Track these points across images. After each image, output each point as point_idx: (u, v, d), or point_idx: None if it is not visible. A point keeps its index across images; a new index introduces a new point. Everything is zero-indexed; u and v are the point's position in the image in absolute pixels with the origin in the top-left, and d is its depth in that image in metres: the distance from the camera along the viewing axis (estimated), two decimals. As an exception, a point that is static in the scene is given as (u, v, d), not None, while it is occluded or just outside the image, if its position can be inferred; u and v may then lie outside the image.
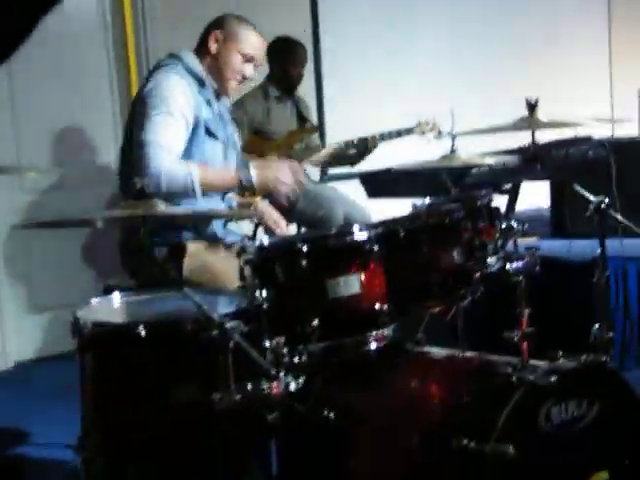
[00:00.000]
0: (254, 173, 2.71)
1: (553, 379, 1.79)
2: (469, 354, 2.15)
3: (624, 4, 6.31)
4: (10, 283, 4.41)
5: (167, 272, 2.08)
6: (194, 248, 2.72)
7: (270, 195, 2.90)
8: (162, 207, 1.87)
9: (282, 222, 2.97)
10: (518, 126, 2.22)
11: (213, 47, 2.84)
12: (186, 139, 2.70)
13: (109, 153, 4.44)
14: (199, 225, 2.75)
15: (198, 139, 2.73)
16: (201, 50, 2.87)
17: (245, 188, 2.73)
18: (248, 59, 2.86)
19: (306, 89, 4.72)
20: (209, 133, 2.76)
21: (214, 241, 2.78)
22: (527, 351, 1.99)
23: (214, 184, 2.70)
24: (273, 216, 2.96)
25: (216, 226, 2.81)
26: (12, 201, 4.30)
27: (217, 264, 2.68)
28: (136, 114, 2.73)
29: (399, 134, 4.37)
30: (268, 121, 4.30)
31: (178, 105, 2.67)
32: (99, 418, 2.01)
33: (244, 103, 4.23)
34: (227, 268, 2.61)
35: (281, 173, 2.78)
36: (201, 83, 2.80)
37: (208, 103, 2.80)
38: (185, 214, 2.20)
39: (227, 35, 2.84)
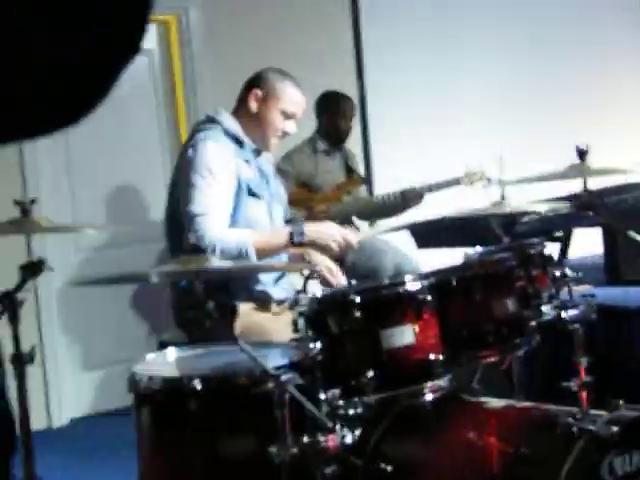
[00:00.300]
0: (306, 229, 2.71)
1: (615, 429, 1.75)
2: (526, 404, 2.12)
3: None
4: (66, 341, 4.48)
5: (220, 327, 2.09)
6: (244, 308, 2.73)
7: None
8: (215, 262, 1.90)
9: (337, 271, 2.97)
10: (569, 174, 2.21)
11: (253, 106, 2.81)
12: (232, 204, 2.72)
13: (160, 211, 4.51)
14: (249, 284, 2.75)
15: (241, 201, 2.74)
16: (241, 108, 2.85)
17: (297, 245, 2.72)
18: (289, 116, 2.84)
19: (353, 141, 4.77)
20: (252, 194, 2.76)
21: (264, 300, 2.78)
22: (587, 401, 1.95)
23: (267, 247, 2.69)
24: (328, 265, 2.96)
25: (266, 283, 2.80)
26: (67, 259, 4.39)
27: (267, 323, 2.69)
28: (180, 182, 2.75)
29: (447, 185, 4.37)
30: (316, 174, 4.34)
31: (221, 172, 2.68)
32: (157, 473, 2.01)
33: (292, 157, 4.29)
34: (277, 326, 2.63)
35: (333, 230, 2.78)
36: (240, 144, 2.79)
37: (248, 162, 2.80)
38: (239, 268, 2.22)
39: (267, 93, 2.81)
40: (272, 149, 2.95)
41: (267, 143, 2.86)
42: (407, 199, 4.30)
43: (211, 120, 2.82)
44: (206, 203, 2.64)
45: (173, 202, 2.82)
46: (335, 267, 2.98)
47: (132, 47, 0.57)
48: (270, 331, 2.62)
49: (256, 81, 2.85)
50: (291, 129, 2.88)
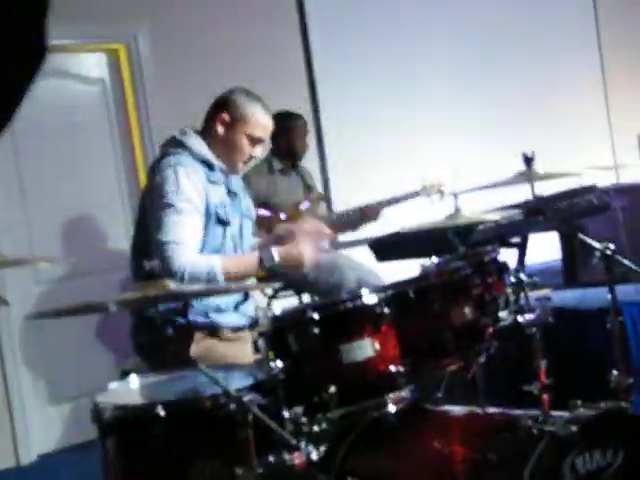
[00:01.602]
0: (276, 252, 2.66)
1: (574, 429, 1.78)
2: (489, 410, 2.14)
3: (616, 51, 6.41)
4: (30, 375, 4.42)
5: (178, 352, 2.09)
6: (199, 335, 2.72)
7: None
8: (173, 286, 1.90)
9: (326, 229, 2.94)
10: (517, 180, 2.25)
11: (220, 130, 2.77)
12: (202, 231, 2.68)
13: (119, 239, 4.50)
14: (207, 311, 2.73)
15: (209, 228, 2.71)
16: (208, 130, 2.80)
17: (268, 269, 2.66)
18: (256, 141, 2.80)
19: (309, 158, 4.80)
20: (219, 221, 2.73)
21: (219, 328, 2.75)
22: (548, 403, 1.98)
23: (238, 273, 2.65)
24: (314, 226, 2.92)
25: (225, 309, 2.78)
26: (26, 292, 4.34)
27: (222, 349, 2.68)
28: (148, 209, 2.71)
29: (406, 198, 4.42)
30: (274, 194, 4.36)
31: (190, 199, 2.65)
32: (124, 503, 2.00)
33: (249, 178, 4.29)
34: (233, 352, 2.62)
35: (303, 246, 2.72)
36: (209, 166, 2.75)
37: (216, 184, 2.76)
38: (196, 290, 2.21)
39: (234, 117, 2.76)
40: (239, 172, 2.91)
41: (235, 167, 2.83)
42: (365, 214, 4.34)
43: (178, 143, 2.77)
44: (176, 231, 2.60)
45: (141, 229, 2.78)
46: (322, 225, 2.94)
47: (32, 70, 0.58)
48: (225, 357, 2.61)
49: (223, 104, 2.79)
50: (258, 153, 2.86)
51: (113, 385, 2.23)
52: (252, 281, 2.81)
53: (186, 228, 2.63)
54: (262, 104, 2.83)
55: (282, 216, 4.31)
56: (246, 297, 2.88)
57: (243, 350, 2.62)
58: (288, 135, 4.44)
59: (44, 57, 0.61)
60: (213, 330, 2.74)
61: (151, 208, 2.69)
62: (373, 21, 5.49)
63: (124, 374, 2.61)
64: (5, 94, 0.59)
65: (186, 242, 2.61)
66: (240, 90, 2.85)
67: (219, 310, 2.75)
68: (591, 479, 1.78)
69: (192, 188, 2.67)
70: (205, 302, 2.72)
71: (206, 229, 2.70)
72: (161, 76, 4.76)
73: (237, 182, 2.92)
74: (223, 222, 2.74)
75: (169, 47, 4.80)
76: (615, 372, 2.34)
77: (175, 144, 2.78)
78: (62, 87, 4.50)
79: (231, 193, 2.83)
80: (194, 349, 2.67)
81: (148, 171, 2.83)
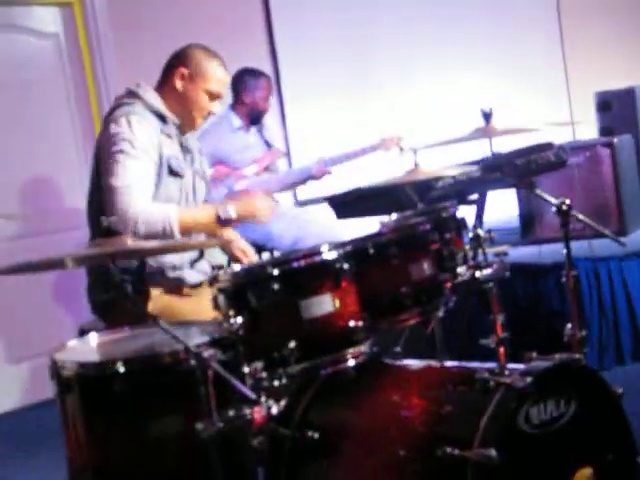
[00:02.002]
0: (232, 208, 2.66)
1: (529, 380, 1.81)
2: (447, 363, 2.18)
3: (573, 8, 6.42)
4: (-14, 334, 4.38)
5: (138, 309, 2.08)
6: (156, 292, 2.71)
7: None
8: (130, 242, 1.88)
9: (250, 250, 2.98)
10: (475, 136, 2.26)
11: (179, 84, 2.76)
12: (154, 179, 2.67)
13: (76, 196, 4.44)
14: (163, 268, 2.72)
15: (161, 179, 2.69)
16: (164, 85, 2.79)
17: (224, 222, 2.68)
18: (215, 96, 2.80)
19: (269, 114, 4.77)
20: (172, 172, 2.71)
21: (177, 284, 2.76)
22: (504, 356, 2.01)
23: (193, 224, 2.65)
24: (240, 244, 2.96)
25: (181, 266, 2.78)
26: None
27: (180, 305, 2.68)
28: (102, 158, 2.68)
29: (364, 152, 4.43)
30: (234, 151, 4.33)
31: (143, 146, 2.63)
32: (85, 458, 2.00)
33: (206, 135, 4.25)
34: (190, 307, 2.63)
35: (257, 201, 2.74)
36: (163, 119, 2.74)
37: (170, 138, 2.75)
38: (154, 247, 2.20)
39: (193, 72, 2.75)
40: (197, 128, 2.89)
41: (193, 122, 2.82)
42: (312, 176, 4.37)
43: (133, 94, 2.75)
44: (129, 176, 2.57)
45: (95, 181, 2.75)
46: (247, 246, 2.98)
47: None
48: (182, 313, 2.61)
49: (182, 59, 2.78)
50: (217, 109, 2.85)
51: (72, 343, 2.22)
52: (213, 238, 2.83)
53: (139, 173, 2.60)
54: (220, 60, 2.83)
55: (242, 172, 4.29)
56: (201, 254, 2.88)
57: (200, 306, 2.62)
58: (252, 92, 4.39)
59: None
60: (170, 287, 2.74)
61: (104, 156, 2.66)
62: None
63: (82, 332, 2.60)
64: None
65: (139, 187, 2.58)
66: (198, 46, 2.84)
67: (174, 268, 2.75)
68: (545, 429, 1.83)
69: (144, 135, 2.65)
70: (160, 259, 2.72)
71: (159, 179, 2.68)
72: (116, 30, 4.67)
73: (192, 141, 2.90)
74: (176, 174, 2.73)
75: (125, 2, 4.71)
76: (569, 325, 2.38)
77: (129, 95, 2.77)
78: (15, 41, 4.40)
79: (184, 148, 2.81)
80: (151, 306, 2.67)
81: (102, 122, 2.80)
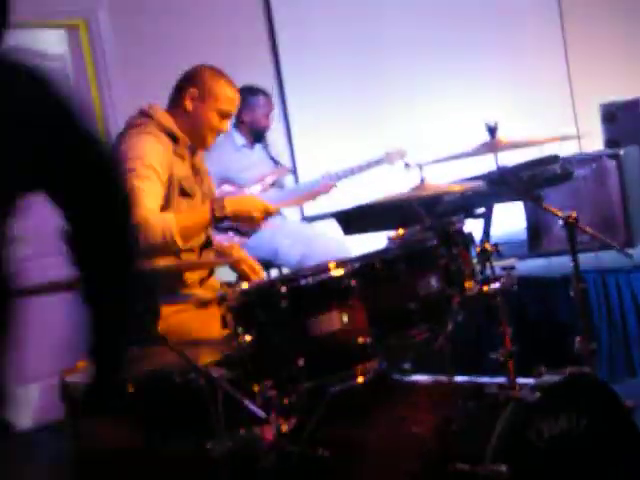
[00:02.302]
0: (227, 201, 2.67)
1: (539, 394, 1.81)
2: (456, 378, 2.17)
3: (577, 19, 6.43)
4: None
5: (149, 327, 2.08)
6: (166, 311, 2.72)
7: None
8: (144, 264, 1.89)
9: (259, 268, 2.98)
10: (480, 151, 2.26)
11: (190, 105, 2.79)
12: (161, 199, 2.67)
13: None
14: (173, 286, 2.73)
15: (172, 200, 2.70)
16: (175, 106, 2.82)
17: (219, 219, 2.68)
18: (225, 115, 2.83)
19: (274, 130, 4.79)
20: (183, 192, 2.74)
21: (187, 302, 2.76)
22: (513, 369, 2.01)
23: (191, 225, 2.65)
24: (249, 262, 2.97)
25: (191, 285, 2.79)
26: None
27: (188, 323, 2.68)
28: None
29: (369, 166, 4.43)
30: (240, 169, 4.34)
31: (155, 163, 2.64)
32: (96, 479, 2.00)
33: (212, 154, 4.26)
34: (199, 325, 2.63)
35: (253, 200, 2.78)
36: (174, 140, 2.76)
37: (182, 159, 2.77)
38: (166, 266, 2.21)
39: (203, 92, 2.79)
40: (209, 147, 2.92)
41: (205, 142, 2.85)
42: (318, 191, 4.37)
43: (145, 114, 2.78)
44: (139, 183, 2.57)
45: None
46: (256, 264, 2.99)
47: None
48: (192, 332, 2.61)
49: (192, 80, 2.81)
50: (226, 127, 2.88)
51: (82, 364, 2.22)
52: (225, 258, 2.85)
53: (149, 182, 2.61)
54: (228, 79, 2.87)
55: (246, 191, 4.30)
56: (211, 272, 2.89)
57: (210, 325, 2.63)
58: (252, 110, 4.41)
59: (4, 34, 0.62)
60: (179, 305, 2.75)
61: None
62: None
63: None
64: None
65: (148, 191, 2.58)
66: (207, 66, 2.88)
67: (184, 285, 2.76)
68: (556, 443, 1.82)
69: (156, 154, 2.66)
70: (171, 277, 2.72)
71: (169, 201, 2.69)
72: (122, 51, 4.70)
73: (202, 163, 2.93)
74: (187, 194, 2.74)
75: (129, 21, 4.74)
76: (578, 338, 2.38)
77: (141, 115, 2.79)
78: (22, 64, 4.43)
79: (194, 169, 2.83)
80: (161, 325, 2.67)
81: (114, 141, 2.81)
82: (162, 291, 2.71)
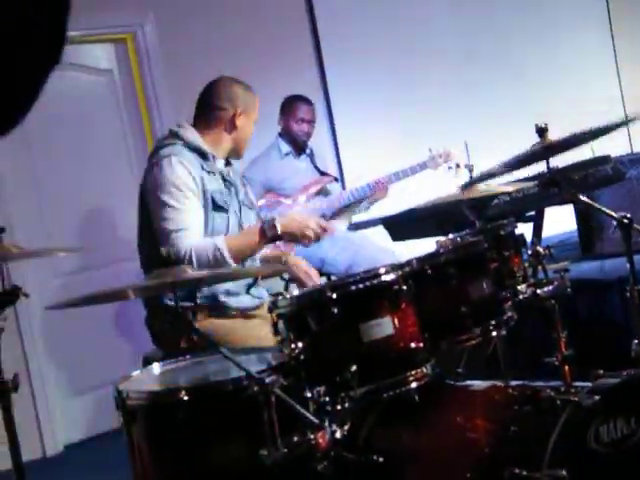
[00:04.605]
0: (277, 221, 2.72)
1: (597, 398, 1.77)
2: (511, 383, 2.14)
3: (624, 16, 6.34)
4: (51, 367, 4.46)
5: (201, 335, 2.09)
6: (201, 315, 2.75)
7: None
8: (190, 272, 1.91)
9: (314, 272, 2.99)
10: (533, 156, 2.23)
11: (239, 124, 2.90)
12: (202, 215, 2.75)
13: (134, 228, 4.50)
14: (216, 296, 2.76)
15: (208, 215, 2.77)
16: (213, 126, 2.89)
17: (271, 239, 2.74)
18: (256, 121, 2.98)
19: (321, 138, 4.80)
20: (217, 207, 2.79)
21: (230, 310, 2.79)
22: (569, 374, 1.98)
23: (243, 247, 2.72)
24: (304, 268, 2.97)
25: (237, 292, 2.81)
26: (45, 284, 4.37)
27: (232, 330, 2.70)
28: (150, 201, 2.78)
29: (413, 171, 4.40)
30: (285, 178, 4.35)
31: (188, 187, 2.72)
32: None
33: (258, 163, 4.30)
34: (244, 333, 2.64)
35: (304, 218, 2.83)
36: (204, 156, 2.83)
37: (212, 174, 2.83)
38: (216, 275, 2.22)
39: (246, 109, 2.91)
40: (243, 155, 3.05)
41: (242, 152, 2.99)
42: (374, 192, 4.34)
43: (173, 135, 2.86)
44: (179, 219, 2.68)
45: (144, 219, 2.84)
46: (311, 269, 2.99)
47: (52, 59, 0.58)
48: (237, 338, 2.62)
49: (230, 102, 2.90)
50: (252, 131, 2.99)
51: (136, 372, 2.25)
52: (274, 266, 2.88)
53: (186, 214, 2.70)
54: (250, 86, 2.98)
55: (288, 202, 4.31)
56: (256, 280, 2.91)
57: (254, 331, 2.64)
58: (295, 119, 4.43)
59: (63, 47, 0.62)
60: (219, 312, 2.77)
61: (151, 199, 2.75)
62: (376, 19, 5.47)
63: (146, 362, 2.63)
64: (29, 84, 0.60)
65: (189, 227, 2.69)
66: (232, 81, 2.97)
67: (228, 293, 2.78)
68: (616, 447, 1.78)
69: (187, 175, 2.74)
70: (215, 287, 2.75)
71: (206, 216, 2.74)
72: (169, 64, 4.76)
73: (234, 174, 2.97)
74: (221, 208, 2.79)
75: (176, 34, 4.80)
76: (636, 341, 2.32)
77: (170, 136, 2.88)
78: (71, 78, 4.51)
79: (227, 182, 2.86)
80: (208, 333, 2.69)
81: (147, 165, 2.88)
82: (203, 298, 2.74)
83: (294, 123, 4.44)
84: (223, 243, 2.65)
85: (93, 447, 4.36)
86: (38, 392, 4.33)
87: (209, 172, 2.82)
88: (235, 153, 2.96)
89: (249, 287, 2.87)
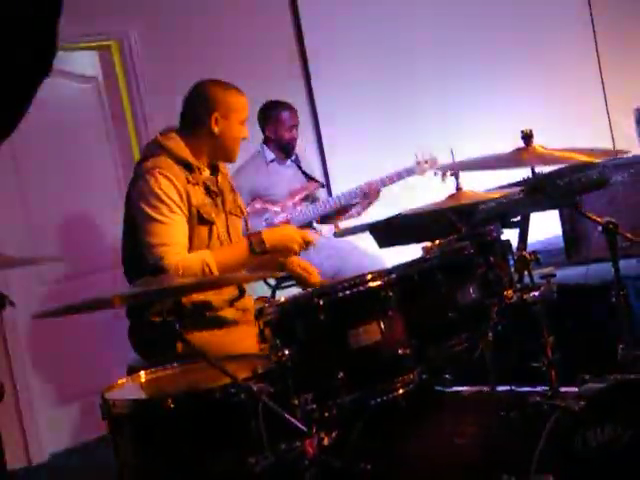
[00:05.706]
0: (264, 236, 2.71)
1: (583, 403, 1.78)
2: (498, 388, 2.15)
3: (608, 24, 6.38)
4: (37, 376, 4.43)
5: (187, 344, 2.07)
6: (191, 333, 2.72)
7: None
8: (177, 279, 1.90)
9: (312, 268, 2.97)
10: (517, 161, 2.24)
11: (216, 129, 2.81)
12: (187, 230, 2.72)
13: (119, 236, 4.48)
14: (202, 310, 2.74)
15: (193, 229, 2.74)
16: (196, 133, 2.83)
17: (258, 252, 2.72)
18: (243, 122, 2.88)
19: (307, 143, 4.79)
20: (202, 220, 2.76)
21: (215, 324, 2.77)
22: (556, 378, 1.98)
23: (230, 261, 2.70)
24: (301, 263, 2.96)
25: (219, 307, 2.79)
26: (30, 293, 4.34)
27: (223, 339, 2.68)
28: (134, 213, 2.75)
29: (399, 176, 4.41)
30: (271, 184, 4.35)
31: (172, 201, 2.69)
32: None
33: (243, 171, 4.28)
34: (234, 342, 2.63)
35: (291, 232, 2.80)
36: (188, 167, 2.78)
37: (197, 185, 2.78)
38: (206, 282, 2.22)
39: (225, 111, 2.82)
40: (235, 159, 2.96)
41: (233, 154, 2.90)
42: (365, 194, 4.35)
43: (158, 146, 2.81)
44: (164, 233, 2.65)
45: (128, 228, 2.81)
46: (309, 264, 2.97)
47: (43, 68, 0.58)
48: (224, 347, 2.60)
49: (209, 105, 2.82)
50: (246, 133, 2.91)
51: (121, 381, 2.23)
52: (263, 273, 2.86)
53: (172, 228, 2.68)
54: (234, 86, 2.90)
55: (276, 209, 4.30)
56: (242, 293, 2.89)
57: (243, 341, 2.62)
58: (276, 125, 4.41)
59: (54, 56, 0.62)
60: (203, 326, 2.74)
61: (136, 211, 2.72)
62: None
63: (131, 370, 2.61)
64: (20, 92, 0.60)
65: (174, 242, 2.66)
66: (211, 83, 2.90)
67: (211, 308, 2.76)
68: (603, 452, 1.79)
69: (172, 189, 2.71)
70: (196, 302, 2.73)
71: (191, 230, 2.72)
72: (154, 71, 4.74)
73: (223, 180, 2.93)
74: (206, 221, 2.77)
75: (161, 42, 4.79)
76: (621, 345, 2.34)
77: (155, 146, 2.83)
78: (56, 86, 4.49)
79: (212, 192, 2.83)
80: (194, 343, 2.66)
81: (132, 175, 2.85)
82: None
83: (285, 132, 4.42)
84: (211, 258, 2.64)
85: (79, 455, 4.34)
86: (23, 400, 4.30)
87: (194, 184, 2.77)
88: (224, 157, 2.89)
89: (232, 301, 2.84)
